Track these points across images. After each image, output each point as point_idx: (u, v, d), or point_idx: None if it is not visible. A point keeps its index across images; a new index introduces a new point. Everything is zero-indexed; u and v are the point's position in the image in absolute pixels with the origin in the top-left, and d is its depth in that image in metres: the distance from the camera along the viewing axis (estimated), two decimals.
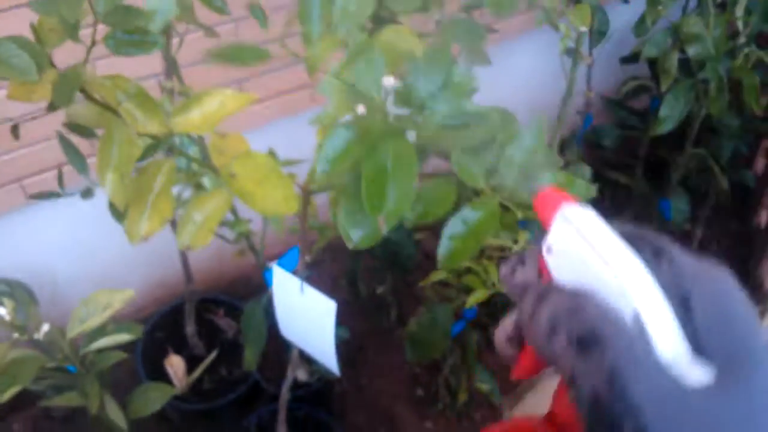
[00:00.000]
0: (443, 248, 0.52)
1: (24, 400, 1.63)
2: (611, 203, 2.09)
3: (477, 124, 0.51)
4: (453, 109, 0.49)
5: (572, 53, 1.22)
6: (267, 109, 1.44)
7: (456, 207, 0.56)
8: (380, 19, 0.76)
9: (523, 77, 1.82)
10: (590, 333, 0.32)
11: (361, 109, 0.49)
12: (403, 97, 0.48)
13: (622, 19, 1.74)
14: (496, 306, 1.46)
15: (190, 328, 1.56)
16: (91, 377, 1.06)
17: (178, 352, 1.59)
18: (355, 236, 0.51)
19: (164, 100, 1.02)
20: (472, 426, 1.73)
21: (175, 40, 0.97)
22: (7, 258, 1.35)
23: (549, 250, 0.38)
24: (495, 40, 1.69)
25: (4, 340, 0.96)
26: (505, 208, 0.54)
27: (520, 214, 0.53)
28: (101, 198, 1.36)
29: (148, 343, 1.59)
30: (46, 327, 0.97)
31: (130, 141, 0.63)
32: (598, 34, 1.46)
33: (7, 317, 0.93)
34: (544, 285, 0.37)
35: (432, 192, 0.54)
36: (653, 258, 0.34)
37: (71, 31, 0.55)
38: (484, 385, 1.51)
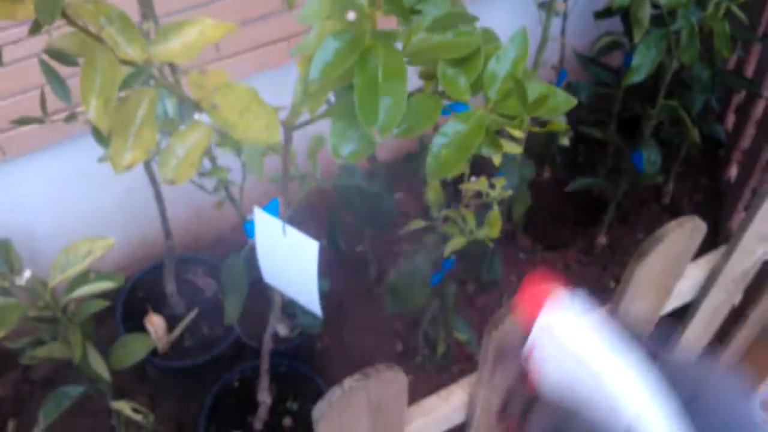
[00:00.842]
0: (432, 157, 0.53)
1: (3, 364, 1.62)
2: (586, 157, 2.12)
3: (463, 30, 0.52)
4: (443, 11, 0.49)
5: (546, 5, 1.23)
6: (245, 62, 1.43)
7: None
8: None
9: (502, 33, 1.82)
10: None
11: (351, 15, 0.49)
12: (394, 2, 0.49)
13: None
14: (473, 258, 1.49)
15: (170, 287, 1.56)
16: (74, 326, 1.06)
17: (158, 311, 1.58)
18: (346, 151, 0.52)
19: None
20: (450, 379, 1.76)
21: None
22: None
23: (530, 354, 0.38)
24: None
25: None
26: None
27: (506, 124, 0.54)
28: (79, 155, 1.35)
29: (128, 303, 1.59)
30: (27, 273, 0.96)
31: (114, 66, 0.63)
32: None
33: None
34: (532, 390, 0.37)
35: (417, 106, 0.55)
36: (649, 362, 0.33)
37: None
38: (462, 335, 1.53)
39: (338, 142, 0.52)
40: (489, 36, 0.58)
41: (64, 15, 0.61)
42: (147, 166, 1.28)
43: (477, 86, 0.54)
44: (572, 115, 2.01)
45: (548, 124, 0.84)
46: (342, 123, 0.52)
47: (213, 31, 0.72)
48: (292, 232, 0.93)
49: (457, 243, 1.24)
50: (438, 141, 0.53)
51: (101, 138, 0.67)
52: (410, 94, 0.57)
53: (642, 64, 1.38)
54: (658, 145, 1.64)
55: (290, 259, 0.98)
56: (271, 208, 1.13)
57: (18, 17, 0.55)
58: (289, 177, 0.96)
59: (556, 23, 1.67)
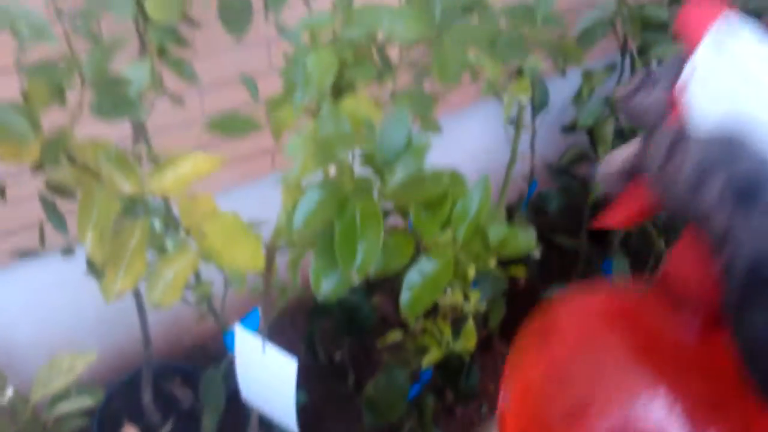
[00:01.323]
0: (404, 298, 0.57)
1: None
2: (560, 264, 2.18)
3: (432, 183, 0.57)
4: (413, 169, 0.55)
5: (514, 123, 1.32)
6: (229, 173, 1.49)
7: (413, 260, 0.61)
8: (339, 89, 0.83)
9: (473, 144, 1.92)
10: (754, 184, 0.26)
11: (333, 170, 0.54)
12: (368, 159, 0.54)
13: (563, 91, 1.87)
14: (451, 368, 1.50)
15: (146, 397, 1.54)
16: None
17: (135, 421, 1.56)
18: (326, 287, 0.55)
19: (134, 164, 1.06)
20: None
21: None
22: None
23: (691, 74, 0.32)
24: (446, 110, 1.79)
25: None
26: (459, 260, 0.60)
27: (472, 267, 0.59)
28: (60, 263, 1.37)
29: (104, 413, 1.57)
30: (9, 391, 0.96)
31: (110, 201, 0.67)
32: (539, 104, 1.57)
33: None
34: (682, 125, 0.31)
35: (392, 246, 0.59)
36: None
37: (59, 96, 0.60)
38: None
39: (319, 279, 0.56)
40: (456, 179, 0.64)
41: (66, 153, 0.66)
42: None
43: (446, 226, 0.59)
44: (544, 224, 2.09)
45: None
46: (323, 261, 0.56)
47: (205, 165, 0.77)
48: (271, 350, 0.95)
49: (434, 356, 1.26)
50: (411, 280, 0.57)
51: (95, 269, 0.70)
52: (385, 232, 0.61)
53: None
54: (627, 254, 1.70)
55: (268, 377, 1.00)
56: (251, 320, 1.16)
57: (24, 159, 0.59)
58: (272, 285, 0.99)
59: (524, 137, 1.77)
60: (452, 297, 1.22)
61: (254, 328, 1.08)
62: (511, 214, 1.91)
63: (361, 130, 0.77)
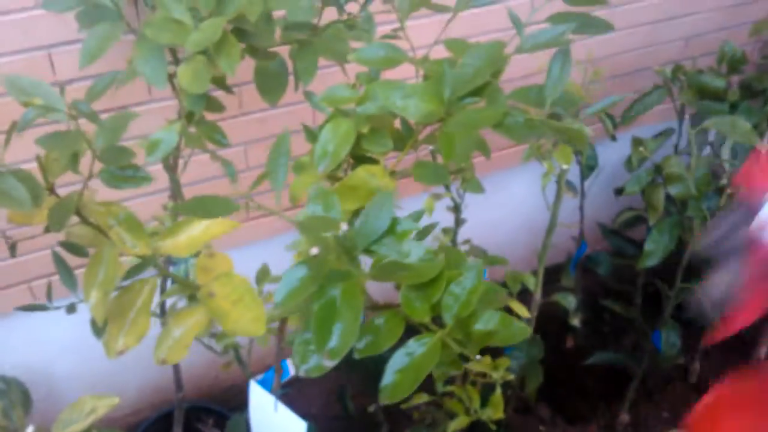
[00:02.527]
0: (387, 381, 0.56)
1: None
2: (612, 327, 2.10)
3: (422, 266, 0.56)
4: (395, 254, 0.54)
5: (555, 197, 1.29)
6: (249, 230, 1.50)
7: (402, 340, 0.60)
8: (359, 157, 0.83)
9: (519, 201, 1.89)
10: None
11: (314, 250, 0.54)
12: (349, 242, 0.54)
13: (617, 152, 1.83)
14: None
15: None
16: None
17: None
18: (306, 365, 0.55)
19: (166, 218, 1.09)
20: None
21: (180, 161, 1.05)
22: (7, 355, 1.39)
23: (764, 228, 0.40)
24: (493, 167, 1.78)
25: None
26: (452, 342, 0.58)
27: (459, 350, 0.57)
28: None
29: None
30: (30, 429, 0.99)
31: (116, 262, 0.69)
32: (588, 168, 1.53)
33: None
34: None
35: (381, 324, 0.58)
36: None
37: (72, 164, 0.62)
38: None
39: (301, 357, 0.56)
40: (455, 258, 0.62)
41: (78, 214, 0.68)
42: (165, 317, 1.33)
43: (436, 309, 0.58)
44: (593, 286, 2.03)
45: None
46: (304, 338, 0.56)
47: (217, 228, 0.78)
48: (283, 409, 0.95)
49: (460, 423, 1.23)
50: (397, 363, 0.56)
51: (96, 328, 0.72)
52: (376, 310, 0.60)
53: (655, 250, 1.41)
54: (679, 326, 1.63)
55: None
56: (268, 379, 1.16)
57: (34, 222, 0.62)
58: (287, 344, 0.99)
59: (575, 199, 1.73)
60: (480, 364, 1.19)
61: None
62: (557, 275, 1.86)
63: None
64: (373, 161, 0.83)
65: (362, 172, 0.76)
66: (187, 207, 0.53)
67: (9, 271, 1.27)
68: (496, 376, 1.19)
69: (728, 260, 0.44)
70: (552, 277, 1.95)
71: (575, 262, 1.74)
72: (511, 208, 1.90)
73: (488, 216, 1.85)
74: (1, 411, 0.96)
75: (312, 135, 0.79)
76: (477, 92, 0.67)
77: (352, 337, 0.52)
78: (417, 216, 0.78)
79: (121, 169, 0.63)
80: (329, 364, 0.52)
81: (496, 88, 0.65)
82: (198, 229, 0.77)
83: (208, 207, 0.55)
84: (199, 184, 1.30)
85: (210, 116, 0.98)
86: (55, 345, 1.49)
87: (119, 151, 0.60)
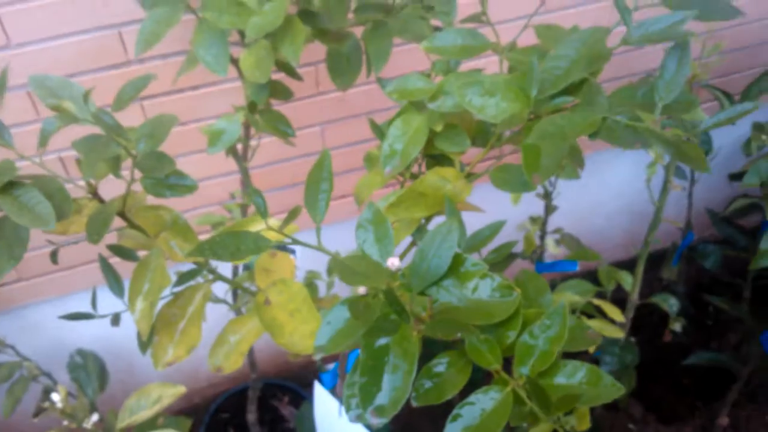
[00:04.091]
0: None
1: None
2: (717, 322, 1.93)
3: (494, 303, 0.47)
4: (456, 299, 0.45)
5: (662, 189, 1.15)
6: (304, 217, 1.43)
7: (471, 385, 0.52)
8: (434, 156, 0.74)
9: (620, 184, 1.74)
10: None
11: (361, 290, 0.46)
12: (404, 284, 0.46)
13: (732, 134, 1.64)
14: None
15: (251, 416, 1.55)
16: None
17: None
18: (351, 416, 0.48)
19: (233, 207, 1.04)
20: None
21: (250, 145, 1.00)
22: (87, 328, 1.41)
23: None
24: (596, 148, 1.63)
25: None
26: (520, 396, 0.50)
27: (534, 408, 0.48)
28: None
29: (212, 422, 1.61)
30: (95, 417, 0.99)
31: (163, 270, 0.64)
32: None
33: (59, 404, 0.96)
34: None
35: (444, 370, 0.50)
36: None
37: (113, 168, 0.57)
38: None
39: (347, 404, 0.49)
40: (535, 286, 0.53)
41: (124, 217, 0.63)
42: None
43: (509, 351, 0.49)
44: (699, 277, 1.86)
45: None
46: (352, 380, 0.48)
47: (273, 235, 0.72)
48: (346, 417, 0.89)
49: (541, 430, 1.14)
50: (458, 424, 0.48)
51: (141, 341, 0.68)
52: (440, 354, 0.52)
53: None
54: None
55: None
56: (331, 375, 1.11)
57: (69, 232, 0.57)
58: None
59: (683, 183, 1.57)
60: None
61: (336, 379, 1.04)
62: (658, 264, 1.71)
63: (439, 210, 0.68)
64: (449, 160, 0.74)
65: (433, 176, 0.67)
66: (211, 245, 0.46)
67: (86, 249, 1.27)
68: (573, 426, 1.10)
69: None
70: (653, 265, 1.80)
71: (680, 253, 1.59)
72: (611, 192, 1.75)
73: (584, 201, 1.72)
74: (65, 397, 0.96)
75: (379, 131, 0.71)
76: (571, 91, 0.56)
77: (405, 393, 0.45)
78: (496, 228, 0.69)
79: (165, 177, 0.57)
80: (376, 422, 0.45)
81: (595, 87, 0.54)
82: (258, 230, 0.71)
83: (237, 244, 0.48)
84: (271, 165, 1.25)
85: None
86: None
87: (159, 157, 0.54)
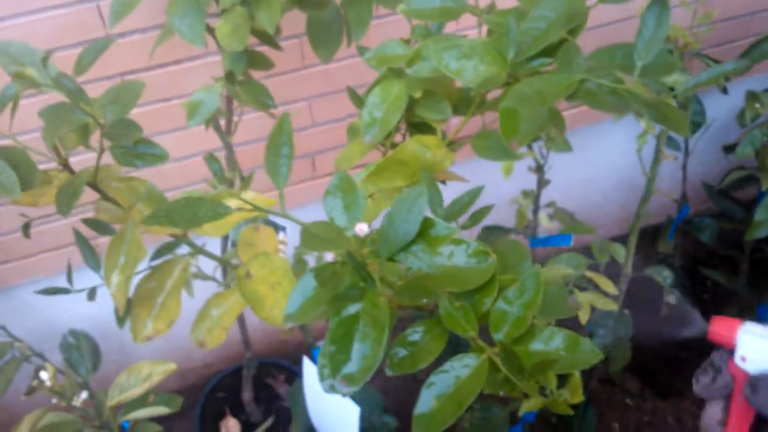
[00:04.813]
0: (423, 407, 0.47)
1: None
2: (711, 298, 1.92)
3: (469, 269, 0.46)
4: (425, 266, 0.44)
5: (652, 162, 1.14)
6: (293, 196, 1.42)
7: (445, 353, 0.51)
8: (416, 125, 0.73)
9: (614, 158, 1.73)
10: None
11: (329, 256, 0.45)
12: (373, 251, 0.44)
13: (726, 105, 1.62)
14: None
15: (246, 395, 1.55)
16: None
17: (236, 414, 1.59)
18: (323, 386, 0.47)
19: (215, 183, 1.03)
20: None
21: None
22: (78, 308, 1.40)
23: (744, 359, 0.57)
24: (587, 122, 1.62)
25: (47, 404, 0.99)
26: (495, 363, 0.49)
27: (507, 374, 0.47)
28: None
29: (208, 402, 1.61)
30: (84, 395, 0.98)
31: (138, 243, 0.63)
32: (693, 124, 1.35)
33: (48, 383, 0.95)
34: (754, 378, 0.55)
35: (419, 338, 0.49)
36: None
37: (82, 138, 0.56)
38: None
39: (320, 373, 0.48)
40: (514, 255, 0.52)
41: (98, 190, 0.62)
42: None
43: (483, 321, 0.48)
44: (695, 251, 1.85)
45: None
46: (325, 350, 0.47)
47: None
48: None
49: (533, 404, 1.13)
50: (433, 389, 0.47)
51: (119, 316, 0.67)
52: (414, 323, 0.51)
53: (765, 219, 1.23)
54: None
55: (334, 415, 0.93)
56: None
57: (39, 204, 0.56)
58: None
59: (677, 155, 1.55)
60: None
61: None
62: (654, 238, 1.70)
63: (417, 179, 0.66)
64: (432, 129, 0.72)
65: (413, 144, 0.66)
66: (167, 212, 0.45)
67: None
68: (564, 396, 1.09)
69: (718, 399, 0.60)
70: (648, 239, 1.79)
71: (675, 226, 1.58)
72: (605, 166, 1.74)
73: (577, 175, 1.70)
74: (54, 375, 0.95)
75: (358, 99, 0.70)
76: (549, 52, 0.55)
77: (375, 361, 0.43)
78: (474, 194, 0.67)
79: (134, 145, 0.56)
80: (346, 391, 0.44)
81: (573, 47, 0.53)
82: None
83: (194, 211, 0.46)
84: (259, 142, 1.23)
85: (270, 66, 0.90)
86: None
87: (126, 125, 0.53)
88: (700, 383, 0.60)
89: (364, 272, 0.43)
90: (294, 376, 1.66)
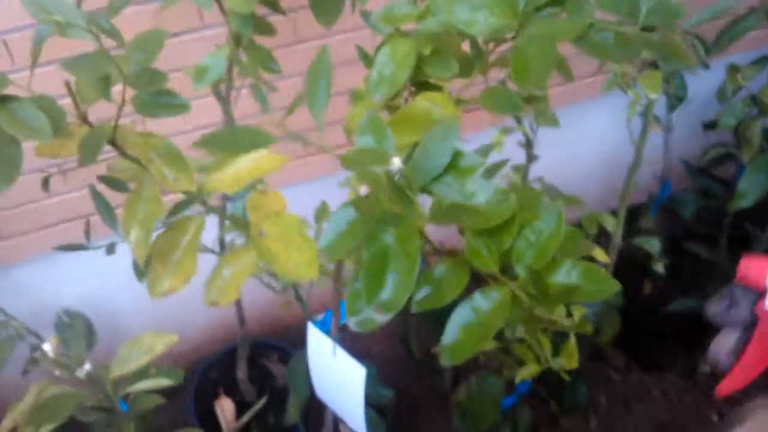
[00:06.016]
0: (448, 337, 0.49)
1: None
2: (693, 272, 1.97)
3: (491, 208, 0.48)
4: (457, 194, 0.46)
5: (641, 131, 1.17)
6: (308, 167, 1.44)
7: (469, 289, 0.53)
8: (421, 84, 0.75)
9: (598, 136, 1.76)
10: None
11: (363, 189, 0.47)
12: (405, 179, 0.46)
13: (706, 83, 1.66)
14: (552, 381, 1.39)
15: (241, 374, 1.56)
16: (129, 417, 1.07)
17: (229, 394, 1.59)
18: (353, 321, 0.49)
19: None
20: None
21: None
22: (72, 288, 1.40)
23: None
24: (571, 100, 1.65)
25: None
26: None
27: (534, 306, 0.49)
28: None
29: (201, 383, 1.61)
30: (87, 366, 0.99)
31: (157, 198, 0.64)
32: (676, 99, 1.39)
33: (51, 354, 0.95)
34: None
35: (443, 275, 0.51)
36: None
37: (103, 90, 0.57)
38: None
39: (350, 308, 0.49)
40: (530, 198, 0.54)
41: (114, 145, 0.63)
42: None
43: (507, 258, 0.50)
44: (677, 227, 1.89)
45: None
46: (355, 289, 0.49)
47: (266, 164, 0.72)
48: (342, 354, 0.90)
49: (529, 371, 1.16)
50: (461, 319, 0.49)
51: (138, 269, 0.68)
52: (437, 256, 0.53)
53: (749, 190, 1.27)
54: None
55: (339, 380, 0.95)
56: (327, 320, 1.12)
57: (63, 154, 0.57)
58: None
59: (659, 134, 1.59)
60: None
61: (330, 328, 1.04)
62: (636, 216, 1.74)
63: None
64: (437, 88, 0.74)
65: (422, 100, 0.68)
66: (217, 139, 0.46)
67: (68, 206, 1.26)
68: (569, 324, 1.11)
69: (734, 327, 0.57)
70: (630, 217, 1.83)
71: (657, 202, 1.62)
72: (589, 144, 1.77)
73: (563, 152, 1.74)
74: (57, 347, 0.95)
75: (367, 59, 0.71)
76: (557, 2, 0.57)
77: (408, 288, 0.45)
78: (485, 150, 0.70)
79: (156, 95, 0.57)
80: (381, 319, 0.46)
81: None
82: (245, 164, 0.71)
83: (241, 139, 0.48)
84: (257, 117, 1.24)
85: (263, 44, 0.91)
86: (119, 278, 1.48)
87: (151, 74, 0.54)
88: (713, 309, 0.63)
89: (402, 194, 0.44)
90: (287, 356, 1.67)
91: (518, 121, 1.32)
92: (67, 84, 0.56)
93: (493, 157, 1.38)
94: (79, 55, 0.54)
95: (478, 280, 0.53)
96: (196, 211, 0.71)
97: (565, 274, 0.50)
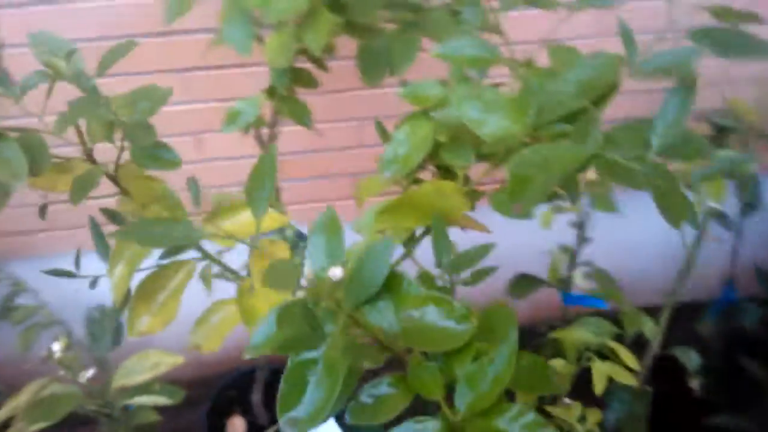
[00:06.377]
0: None
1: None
2: (747, 388, 1.82)
3: (442, 330, 0.45)
4: (386, 323, 0.43)
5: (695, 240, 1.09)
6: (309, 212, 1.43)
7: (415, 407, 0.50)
8: (442, 168, 0.73)
9: (662, 228, 1.67)
10: None
11: (299, 293, 0.45)
12: (338, 300, 0.44)
13: None
14: None
15: (256, 396, 1.57)
16: (126, 429, 1.09)
17: (244, 414, 1.60)
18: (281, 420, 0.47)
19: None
20: None
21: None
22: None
23: None
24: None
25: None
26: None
27: None
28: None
29: (218, 399, 1.63)
30: (90, 372, 1.01)
31: None
32: (748, 206, 1.30)
33: (58, 354, 0.98)
34: None
35: (384, 392, 0.48)
36: None
37: (107, 134, 0.58)
38: None
39: (280, 410, 0.47)
40: (505, 319, 0.50)
41: (115, 182, 0.64)
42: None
43: (453, 385, 0.47)
44: (734, 336, 1.76)
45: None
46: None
47: (269, 222, 0.72)
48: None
49: None
50: None
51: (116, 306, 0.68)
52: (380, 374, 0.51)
53: None
54: None
55: None
56: None
57: (58, 189, 0.58)
58: None
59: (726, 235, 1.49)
60: (564, 411, 1.05)
61: None
62: (696, 314, 1.63)
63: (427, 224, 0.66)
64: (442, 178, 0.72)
65: (429, 187, 0.65)
66: (136, 228, 0.46)
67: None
68: (580, 430, 1.05)
69: None
70: (689, 315, 1.72)
71: (718, 306, 1.51)
72: (648, 235, 1.68)
73: (622, 237, 1.65)
74: (65, 347, 0.98)
75: (384, 134, 0.70)
76: (569, 118, 0.53)
77: (324, 411, 0.43)
78: (482, 251, 0.66)
79: (154, 148, 0.57)
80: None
81: (592, 118, 0.51)
82: (244, 218, 0.71)
83: (168, 231, 0.47)
84: (297, 155, 1.25)
85: (326, 88, 0.90)
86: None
87: (145, 127, 0.54)
88: None
89: (314, 323, 0.42)
90: None
91: (573, 200, 1.26)
92: (66, 117, 0.58)
93: (540, 234, 1.33)
94: (81, 97, 0.55)
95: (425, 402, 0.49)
96: (190, 256, 0.71)
97: (510, 420, 0.45)
